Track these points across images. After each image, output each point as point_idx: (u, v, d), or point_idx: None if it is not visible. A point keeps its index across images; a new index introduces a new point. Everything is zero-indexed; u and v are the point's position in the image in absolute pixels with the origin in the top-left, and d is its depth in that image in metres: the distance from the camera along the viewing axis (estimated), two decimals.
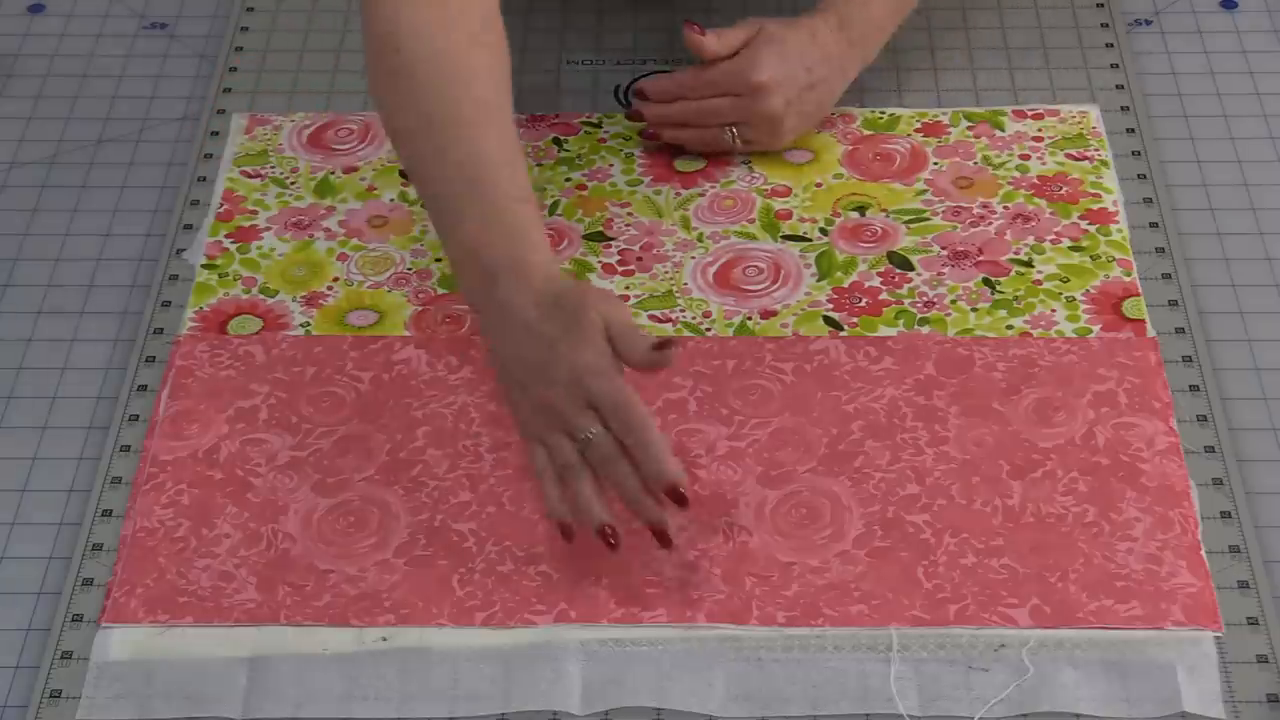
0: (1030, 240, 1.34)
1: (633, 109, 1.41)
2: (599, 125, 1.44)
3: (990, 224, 1.35)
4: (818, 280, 1.32)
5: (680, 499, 1.10)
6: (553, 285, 1.15)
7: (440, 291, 1.32)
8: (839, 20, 1.37)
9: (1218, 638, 1.10)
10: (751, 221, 1.36)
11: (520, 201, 1.18)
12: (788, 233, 1.35)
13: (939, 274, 1.32)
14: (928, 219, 1.36)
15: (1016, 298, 1.30)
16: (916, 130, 1.43)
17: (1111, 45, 1.51)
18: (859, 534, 1.16)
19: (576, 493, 1.12)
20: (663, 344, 1.12)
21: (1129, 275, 1.31)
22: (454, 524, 1.17)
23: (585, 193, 1.39)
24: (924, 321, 1.28)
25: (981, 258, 1.33)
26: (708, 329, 1.28)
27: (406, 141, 1.21)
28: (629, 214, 1.37)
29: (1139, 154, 1.41)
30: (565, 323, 1.13)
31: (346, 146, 1.43)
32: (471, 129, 1.19)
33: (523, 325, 1.14)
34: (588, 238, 1.35)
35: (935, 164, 1.40)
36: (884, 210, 1.36)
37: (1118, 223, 1.35)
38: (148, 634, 1.12)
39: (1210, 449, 1.20)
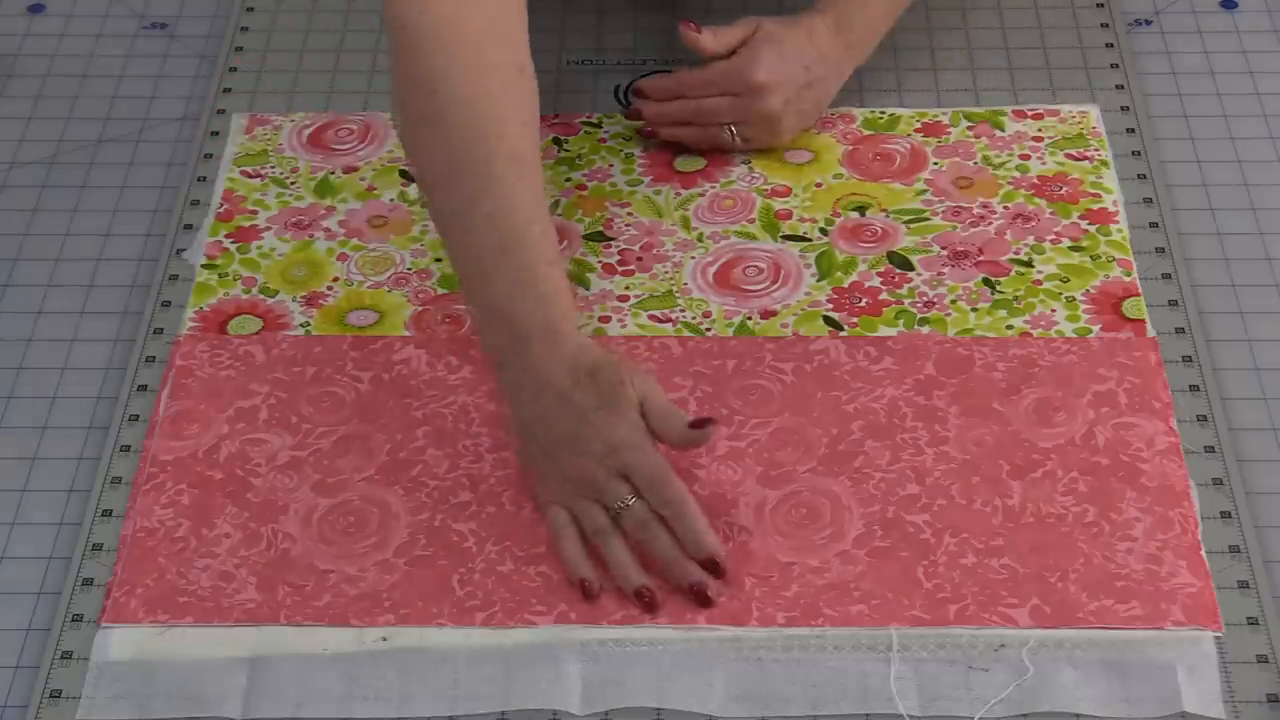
0: (1030, 240, 1.34)
1: (632, 107, 1.41)
2: (599, 125, 1.44)
3: (990, 224, 1.35)
4: (818, 280, 1.32)
5: (718, 570, 1.11)
6: (586, 355, 1.14)
7: (440, 291, 1.32)
8: (836, 20, 1.37)
9: (1218, 638, 1.10)
10: (751, 221, 1.36)
11: (551, 264, 1.16)
12: (788, 233, 1.35)
13: (939, 274, 1.32)
14: (928, 219, 1.36)
15: (1016, 298, 1.30)
16: (916, 130, 1.43)
17: (1111, 45, 1.51)
18: (859, 534, 1.16)
19: (611, 555, 1.12)
20: (699, 423, 1.13)
21: (1129, 275, 1.31)
22: (454, 524, 1.17)
23: (585, 193, 1.39)
24: (924, 321, 1.28)
25: (981, 258, 1.33)
26: (708, 329, 1.28)
27: (435, 189, 1.20)
28: (629, 214, 1.37)
29: (1139, 154, 1.41)
30: (601, 394, 1.12)
31: (346, 146, 1.43)
32: (504, 185, 1.17)
33: (554, 392, 1.13)
34: (588, 238, 1.35)
35: (935, 164, 1.40)
36: (884, 210, 1.37)
37: (1118, 223, 1.35)
38: (148, 634, 1.12)
39: (1210, 449, 1.20)
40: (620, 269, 1.33)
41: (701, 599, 1.11)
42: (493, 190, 1.17)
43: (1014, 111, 1.44)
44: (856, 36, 1.38)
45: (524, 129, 1.20)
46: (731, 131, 1.37)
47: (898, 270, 1.32)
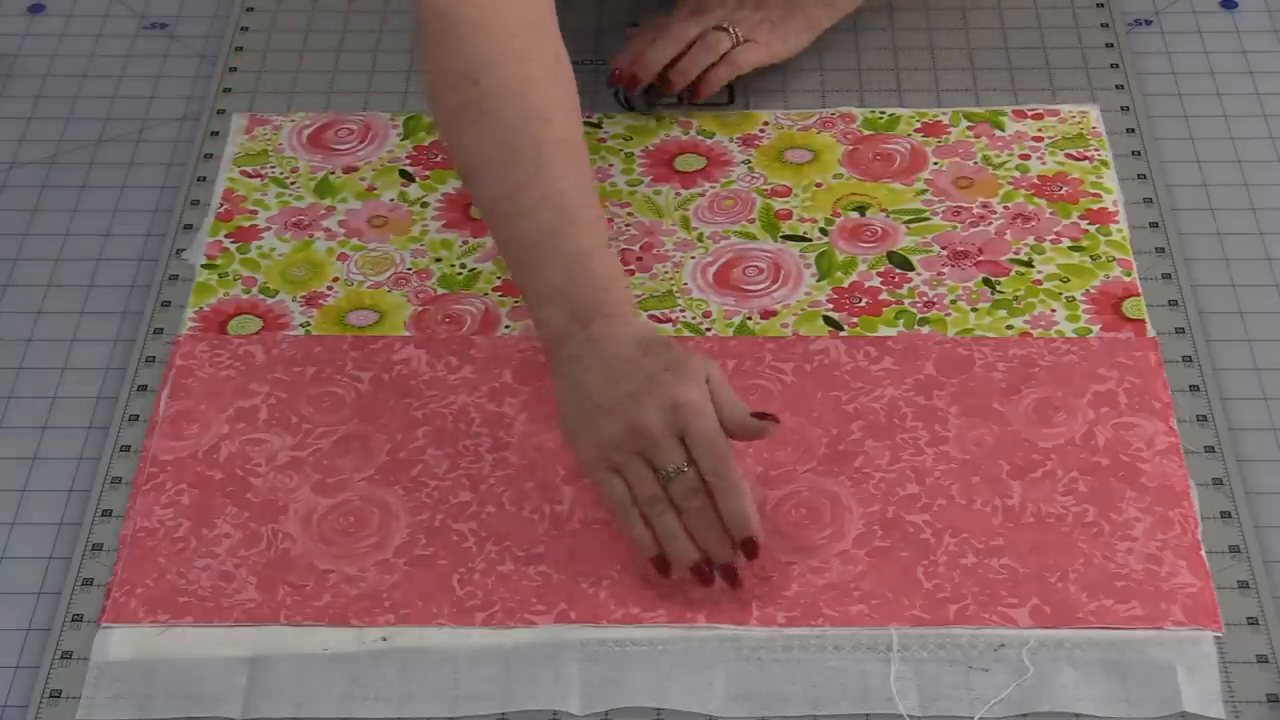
0: (1030, 240, 1.34)
1: (616, 75, 1.42)
2: (599, 125, 1.44)
3: (990, 224, 1.35)
4: (818, 280, 1.32)
5: (753, 551, 1.11)
6: (652, 332, 1.13)
7: (440, 291, 1.32)
8: None
9: (1218, 638, 1.10)
10: (751, 221, 1.36)
11: (604, 247, 1.15)
12: (788, 233, 1.35)
13: (939, 274, 1.32)
14: (928, 219, 1.36)
15: (1016, 298, 1.30)
16: (916, 130, 1.43)
17: (1111, 45, 1.51)
18: (859, 534, 1.16)
19: (665, 527, 1.11)
20: (762, 414, 1.12)
21: (1129, 275, 1.31)
22: (454, 524, 1.17)
23: None
24: (924, 321, 1.28)
25: (981, 258, 1.33)
26: (708, 329, 1.28)
27: (482, 176, 1.18)
28: (629, 214, 1.37)
29: (1139, 154, 1.41)
30: (670, 360, 1.11)
31: (346, 146, 1.43)
32: (554, 169, 1.16)
33: (622, 359, 1.11)
34: None
35: (935, 164, 1.40)
36: (884, 210, 1.37)
37: (1118, 223, 1.35)
38: (148, 634, 1.12)
39: (1210, 449, 1.20)
40: None
41: (732, 579, 1.11)
42: (544, 175, 1.16)
43: (1014, 111, 1.44)
44: None
45: (570, 115, 1.20)
46: (727, 29, 1.38)
47: (898, 270, 1.32)
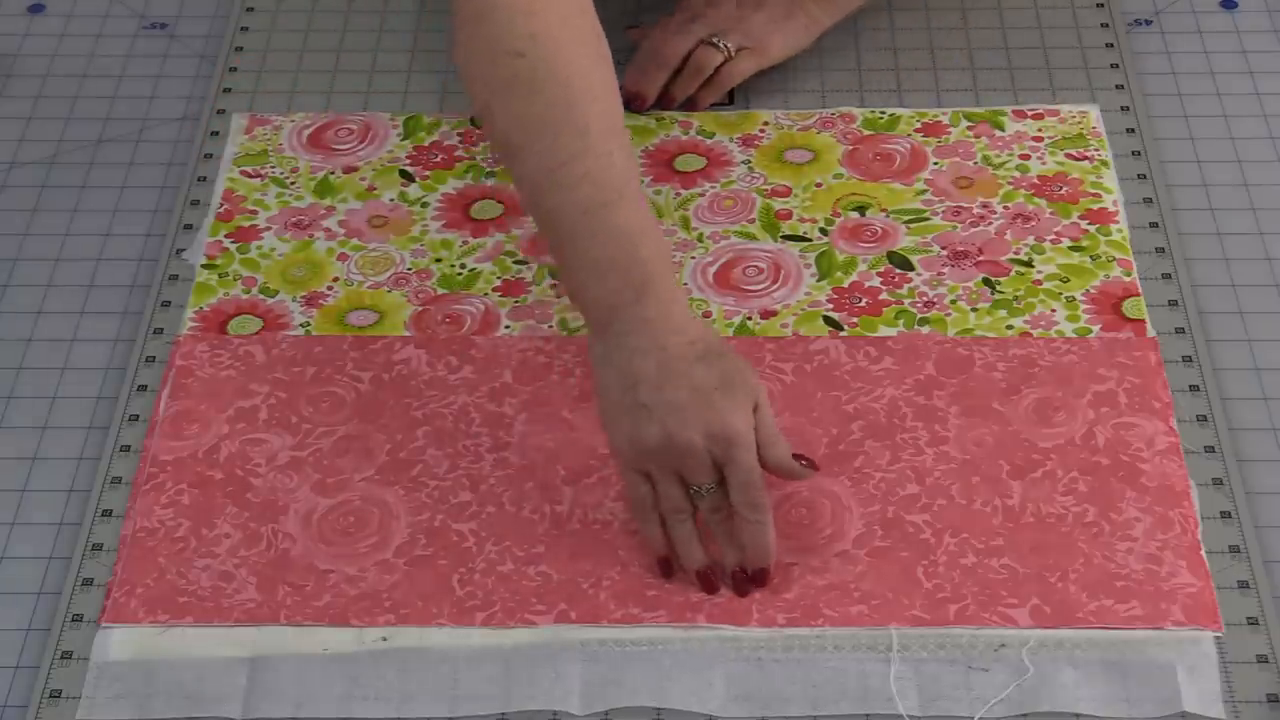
0: (1030, 240, 1.34)
1: (624, 90, 1.41)
2: None
3: (990, 224, 1.35)
4: (818, 280, 1.32)
5: (764, 580, 1.12)
6: (711, 334, 1.12)
7: (440, 291, 1.32)
8: None
9: (1218, 638, 1.10)
10: (751, 221, 1.36)
11: (655, 228, 1.14)
12: (788, 233, 1.35)
13: (939, 274, 1.32)
14: (928, 219, 1.36)
15: (1016, 298, 1.30)
16: (916, 130, 1.43)
17: (1111, 45, 1.51)
18: (859, 534, 1.16)
19: (681, 533, 1.12)
20: (801, 457, 1.13)
21: (1129, 275, 1.31)
22: (454, 524, 1.17)
23: None
24: (924, 321, 1.28)
25: (981, 258, 1.33)
26: None
27: (525, 151, 1.15)
28: None
29: (1139, 154, 1.41)
30: (724, 378, 1.10)
31: (346, 146, 1.43)
32: (603, 142, 1.14)
33: (673, 355, 1.10)
34: None
35: (935, 164, 1.40)
36: (884, 210, 1.36)
37: (1118, 223, 1.35)
38: (148, 634, 1.12)
39: (1210, 449, 1.20)
40: None
41: (742, 589, 1.12)
42: (591, 149, 1.13)
43: (1014, 111, 1.44)
44: None
45: (615, 96, 1.17)
46: (715, 43, 1.40)
47: (898, 270, 1.32)
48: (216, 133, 1.45)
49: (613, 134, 1.15)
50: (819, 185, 1.39)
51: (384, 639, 1.12)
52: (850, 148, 1.42)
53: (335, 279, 1.33)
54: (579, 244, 1.13)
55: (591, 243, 1.13)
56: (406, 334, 1.29)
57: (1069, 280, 1.31)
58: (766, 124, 1.44)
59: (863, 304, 1.30)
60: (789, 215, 1.37)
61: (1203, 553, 1.14)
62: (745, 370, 1.11)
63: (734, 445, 1.09)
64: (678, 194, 1.38)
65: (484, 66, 1.16)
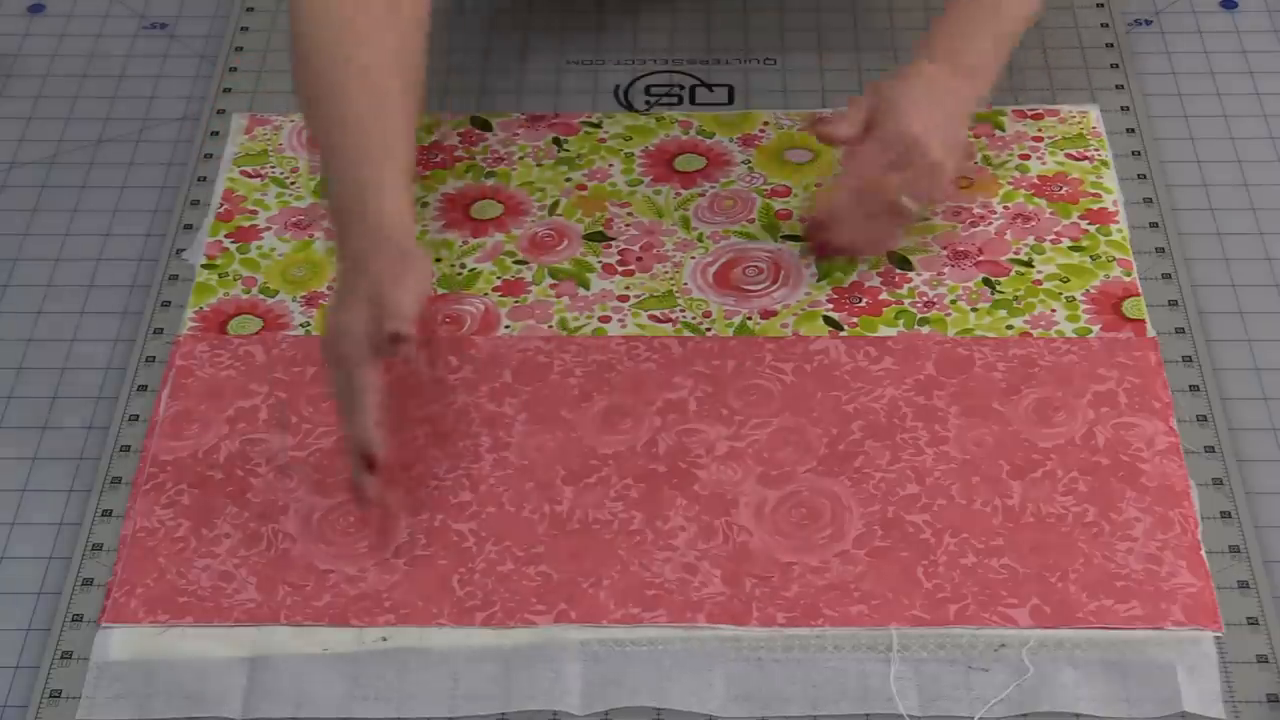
0: (1030, 240, 1.34)
1: (807, 244, 1.35)
2: (599, 125, 1.44)
3: (990, 224, 1.35)
4: (818, 280, 1.32)
5: (373, 466, 1.13)
6: (406, 240, 1.16)
7: (440, 291, 1.32)
8: (942, 55, 1.31)
9: (1218, 638, 1.10)
10: (751, 221, 1.36)
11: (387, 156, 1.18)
12: (788, 233, 1.35)
13: (939, 274, 1.32)
14: (927, 219, 1.36)
15: (1016, 298, 1.30)
16: None
17: (1111, 45, 1.51)
18: (859, 534, 1.16)
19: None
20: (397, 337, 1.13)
21: (1129, 275, 1.31)
22: (454, 524, 1.17)
23: (585, 193, 1.39)
24: (924, 321, 1.28)
25: (981, 258, 1.33)
26: (708, 329, 1.28)
27: (298, 89, 1.23)
28: (629, 214, 1.37)
29: (1139, 154, 1.41)
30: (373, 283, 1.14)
31: None
32: (354, 83, 1.19)
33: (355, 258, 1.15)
34: (588, 238, 1.35)
35: None
36: None
37: (1118, 223, 1.35)
38: (148, 634, 1.12)
39: (1210, 449, 1.20)
40: (620, 269, 1.33)
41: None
42: (339, 91, 1.19)
43: (1014, 111, 1.44)
44: (969, 63, 1.31)
45: (382, 56, 1.21)
46: (906, 201, 1.29)
47: (898, 270, 1.32)
48: (216, 133, 1.45)
49: (368, 88, 1.19)
50: (819, 185, 1.39)
51: (384, 639, 1.12)
52: (850, 148, 1.41)
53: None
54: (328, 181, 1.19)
55: (332, 185, 1.18)
56: None
57: (1069, 280, 1.31)
58: (766, 124, 1.44)
59: (863, 304, 1.30)
60: (789, 215, 1.37)
61: (1203, 553, 1.14)
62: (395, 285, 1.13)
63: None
64: (678, 194, 1.38)
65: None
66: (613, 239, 1.35)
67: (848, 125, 1.29)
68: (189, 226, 1.37)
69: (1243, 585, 1.13)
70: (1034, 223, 1.35)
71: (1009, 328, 1.28)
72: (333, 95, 1.19)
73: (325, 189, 1.19)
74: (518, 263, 1.34)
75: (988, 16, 1.32)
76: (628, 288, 1.31)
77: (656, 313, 1.30)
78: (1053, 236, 1.34)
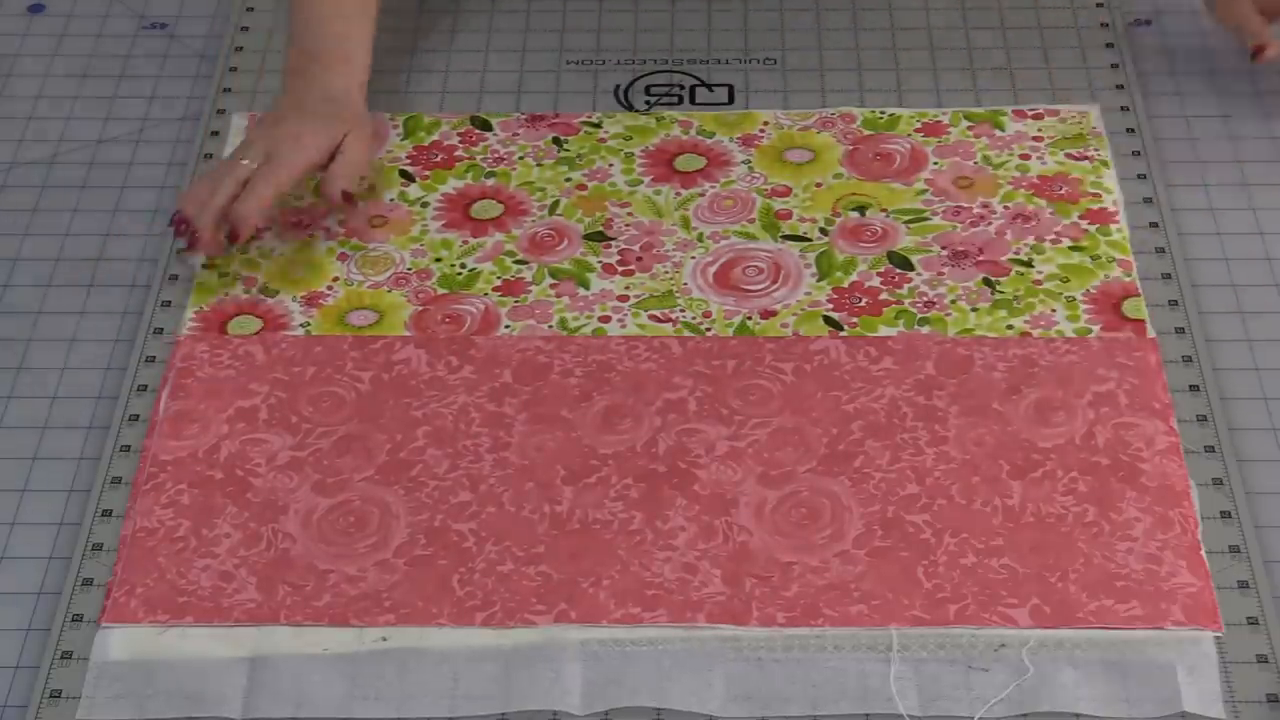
0: (1030, 240, 1.34)
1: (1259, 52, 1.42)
2: (599, 125, 1.44)
3: (990, 224, 1.35)
4: (818, 280, 1.32)
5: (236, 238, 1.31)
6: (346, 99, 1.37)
7: (440, 291, 1.32)
8: None
9: (1218, 638, 1.10)
10: (751, 221, 1.36)
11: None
12: (788, 233, 1.35)
13: (939, 274, 1.32)
14: (928, 219, 1.36)
15: (1016, 298, 1.30)
16: (916, 130, 1.43)
17: (1111, 45, 1.51)
18: (859, 534, 1.16)
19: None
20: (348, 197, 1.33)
21: (1129, 275, 1.31)
22: (454, 524, 1.17)
23: (585, 193, 1.39)
24: (924, 321, 1.28)
25: (981, 257, 1.33)
26: (708, 329, 1.28)
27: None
28: (629, 214, 1.37)
29: (1139, 154, 1.41)
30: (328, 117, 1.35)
31: None
32: None
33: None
34: (588, 238, 1.35)
35: (935, 164, 1.40)
36: (884, 210, 1.37)
37: (1118, 223, 1.35)
38: (148, 634, 1.12)
39: (1210, 449, 1.20)
40: (620, 269, 1.33)
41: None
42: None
43: (1014, 111, 1.44)
44: None
45: None
46: None
47: (898, 270, 1.32)
48: (216, 133, 1.45)
49: None
50: (819, 185, 1.39)
51: (384, 639, 1.12)
52: (850, 148, 1.42)
53: (335, 279, 1.33)
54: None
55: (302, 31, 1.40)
56: (406, 334, 1.29)
57: (1069, 280, 1.31)
58: (766, 124, 1.44)
59: (863, 304, 1.30)
60: (789, 215, 1.37)
61: (1203, 553, 1.14)
62: (352, 121, 1.36)
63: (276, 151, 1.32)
64: (678, 194, 1.38)
65: None
66: (613, 239, 1.35)
67: None
68: None
69: (1243, 585, 1.13)
70: (1034, 223, 1.35)
71: (1009, 328, 1.28)
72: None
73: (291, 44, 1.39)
74: (518, 263, 1.34)
75: None
76: (628, 288, 1.32)
77: (656, 313, 1.30)
78: (1053, 236, 1.34)
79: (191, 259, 1.34)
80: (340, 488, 1.19)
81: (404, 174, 1.41)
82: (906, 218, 1.36)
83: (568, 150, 1.42)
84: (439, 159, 1.42)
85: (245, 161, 1.32)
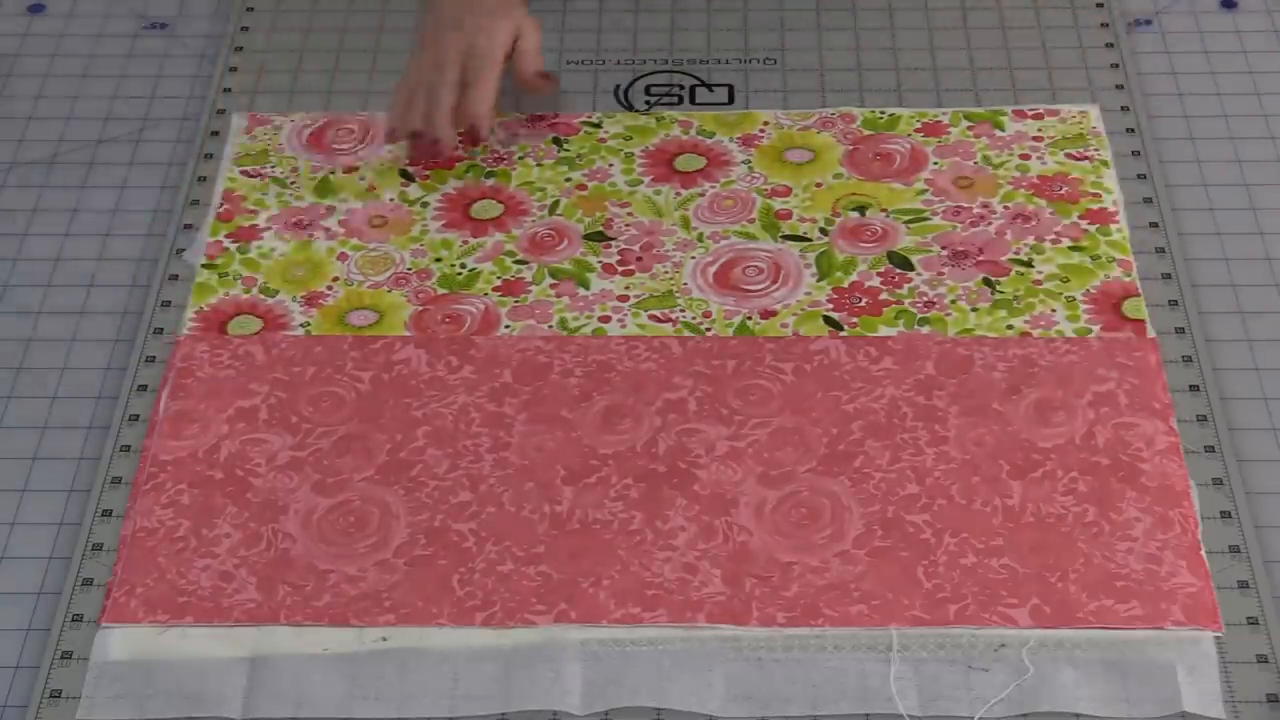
0: (1030, 240, 1.34)
1: None
2: (599, 125, 1.44)
3: (990, 224, 1.35)
4: (818, 280, 1.32)
5: (477, 138, 1.38)
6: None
7: (440, 291, 1.32)
8: None
9: (1218, 638, 1.10)
10: (751, 221, 1.36)
11: None
12: (788, 233, 1.35)
13: (939, 274, 1.32)
14: (928, 219, 1.36)
15: (1016, 298, 1.30)
16: (916, 130, 1.43)
17: (1111, 45, 1.51)
18: (859, 534, 1.16)
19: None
20: (547, 75, 1.39)
21: (1129, 275, 1.31)
22: (454, 524, 1.17)
23: (585, 193, 1.39)
24: (924, 321, 1.28)
25: (981, 257, 1.33)
26: (708, 329, 1.28)
27: None
28: (629, 214, 1.37)
29: (1139, 154, 1.41)
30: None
31: (346, 146, 1.43)
32: None
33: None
34: (588, 238, 1.35)
35: (935, 164, 1.40)
36: (884, 210, 1.37)
37: (1118, 223, 1.35)
38: (148, 634, 1.12)
39: (1210, 449, 1.20)
40: (620, 269, 1.33)
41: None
42: None
43: (1014, 111, 1.44)
44: None
45: None
46: None
47: (898, 270, 1.32)
48: (216, 133, 1.45)
49: None
50: (819, 185, 1.39)
51: (384, 639, 1.12)
52: (850, 148, 1.42)
53: (335, 279, 1.33)
54: None
55: None
56: (406, 334, 1.29)
57: (1069, 280, 1.31)
58: (766, 124, 1.44)
59: (863, 304, 1.30)
60: (789, 215, 1.37)
61: (1203, 553, 1.14)
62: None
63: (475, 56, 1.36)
64: (678, 194, 1.38)
65: None
66: (613, 239, 1.35)
67: None
68: (189, 226, 1.37)
69: (1243, 585, 1.13)
70: (1034, 223, 1.35)
71: (1009, 328, 1.28)
72: None
73: None
74: (518, 263, 1.34)
75: None
76: (628, 288, 1.32)
77: (656, 313, 1.30)
78: (1053, 236, 1.34)
79: (191, 259, 1.34)
80: (340, 488, 1.19)
81: (404, 174, 1.41)
82: (906, 218, 1.36)
83: (568, 150, 1.42)
84: (439, 159, 1.42)
85: (445, 68, 1.35)
